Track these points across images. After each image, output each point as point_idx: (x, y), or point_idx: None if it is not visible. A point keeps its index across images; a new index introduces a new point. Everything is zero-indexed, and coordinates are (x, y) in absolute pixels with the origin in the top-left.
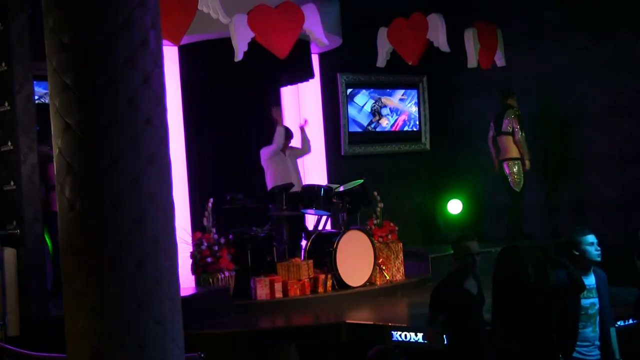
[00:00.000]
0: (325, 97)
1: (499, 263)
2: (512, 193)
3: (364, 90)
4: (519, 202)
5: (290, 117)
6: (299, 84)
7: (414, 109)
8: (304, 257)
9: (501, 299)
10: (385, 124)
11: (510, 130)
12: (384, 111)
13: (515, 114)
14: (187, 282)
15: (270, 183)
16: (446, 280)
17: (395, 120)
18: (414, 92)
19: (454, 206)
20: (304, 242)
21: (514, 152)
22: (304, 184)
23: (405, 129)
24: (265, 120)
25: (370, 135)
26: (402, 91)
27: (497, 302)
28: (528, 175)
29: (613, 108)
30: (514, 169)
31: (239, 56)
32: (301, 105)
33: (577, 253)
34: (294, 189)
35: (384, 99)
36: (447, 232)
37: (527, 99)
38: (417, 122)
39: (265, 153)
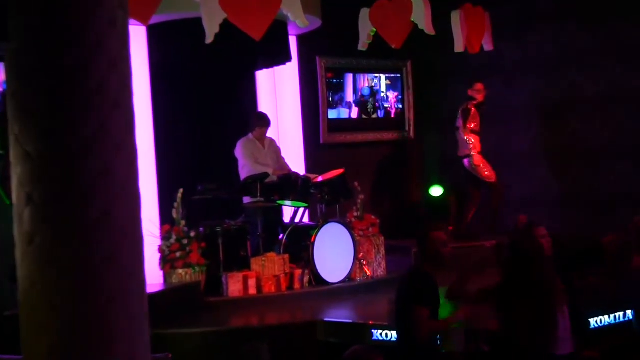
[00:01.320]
0: (303, 82)
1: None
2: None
3: (343, 75)
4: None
5: (266, 103)
6: (276, 68)
7: (398, 95)
8: (280, 251)
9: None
10: (368, 110)
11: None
12: (365, 96)
13: (463, 107)
14: (154, 278)
15: (243, 175)
16: (418, 273)
17: (377, 107)
18: (397, 78)
19: (436, 192)
20: (280, 236)
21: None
22: (280, 174)
23: (388, 116)
24: (239, 106)
25: (350, 123)
26: (385, 76)
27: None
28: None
29: (604, 97)
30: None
31: (209, 38)
32: (278, 90)
33: None
34: (270, 179)
35: (365, 83)
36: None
37: (517, 85)
38: (401, 109)
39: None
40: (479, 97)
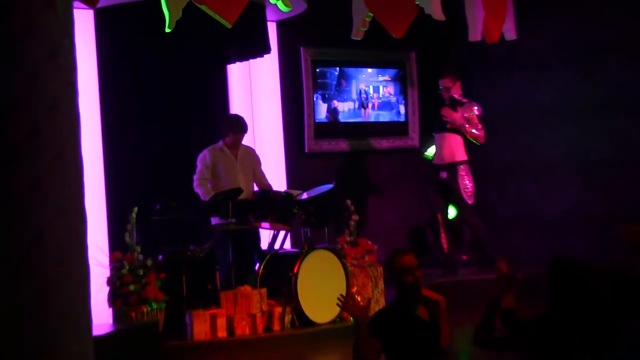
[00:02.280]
0: (284, 78)
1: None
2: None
3: (333, 70)
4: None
5: (239, 103)
6: (251, 61)
7: (399, 95)
8: (256, 284)
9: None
10: (362, 112)
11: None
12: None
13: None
14: (102, 317)
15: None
16: (386, 309)
17: (374, 108)
18: (399, 73)
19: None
20: (255, 265)
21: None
22: (256, 189)
23: (388, 119)
24: (206, 107)
25: (342, 128)
26: (384, 71)
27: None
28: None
29: None
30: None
31: (170, 24)
32: (253, 87)
33: None
34: (243, 196)
35: (359, 82)
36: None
37: (546, 81)
38: (403, 112)
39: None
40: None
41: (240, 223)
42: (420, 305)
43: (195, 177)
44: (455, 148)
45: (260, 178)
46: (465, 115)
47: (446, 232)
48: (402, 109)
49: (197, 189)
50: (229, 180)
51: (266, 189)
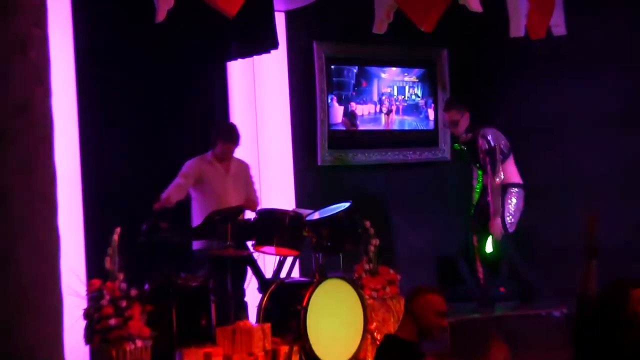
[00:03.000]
0: (294, 77)
1: None
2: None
3: (351, 68)
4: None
5: (240, 106)
6: (255, 58)
7: (428, 98)
8: (259, 318)
9: None
10: (385, 119)
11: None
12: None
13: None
14: (77, 357)
15: (196, 211)
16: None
17: (398, 114)
18: (427, 73)
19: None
20: (258, 297)
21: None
22: (260, 208)
23: (414, 127)
24: (202, 112)
25: (360, 136)
26: (410, 71)
27: None
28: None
29: None
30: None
31: (160, 15)
32: (257, 88)
33: None
34: (246, 216)
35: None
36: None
37: (601, 84)
38: (432, 118)
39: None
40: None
41: (240, 247)
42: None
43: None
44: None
45: (250, 196)
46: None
47: (483, 261)
48: (431, 114)
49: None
50: (218, 197)
51: (252, 208)
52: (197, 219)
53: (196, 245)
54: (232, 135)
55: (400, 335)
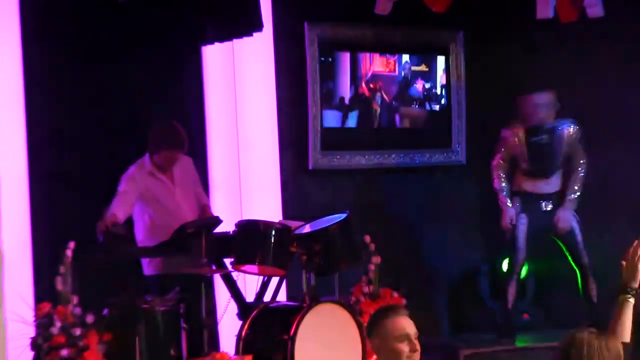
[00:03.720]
0: (282, 66)
1: None
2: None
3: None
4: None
5: (218, 100)
6: (236, 41)
7: (439, 91)
8: (238, 350)
9: None
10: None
11: None
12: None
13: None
14: None
15: (139, 231)
16: None
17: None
18: (439, 61)
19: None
20: (237, 324)
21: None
22: (240, 220)
23: (423, 125)
24: (172, 105)
25: (359, 135)
26: (419, 59)
27: None
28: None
29: None
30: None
31: None
32: (238, 78)
33: None
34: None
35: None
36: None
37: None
38: (445, 115)
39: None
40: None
41: (217, 266)
42: None
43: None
44: None
45: (197, 197)
46: None
47: (516, 283)
48: (443, 109)
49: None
50: (170, 214)
51: (208, 214)
52: (141, 238)
53: (164, 265)
54: (179, 139)
55: None
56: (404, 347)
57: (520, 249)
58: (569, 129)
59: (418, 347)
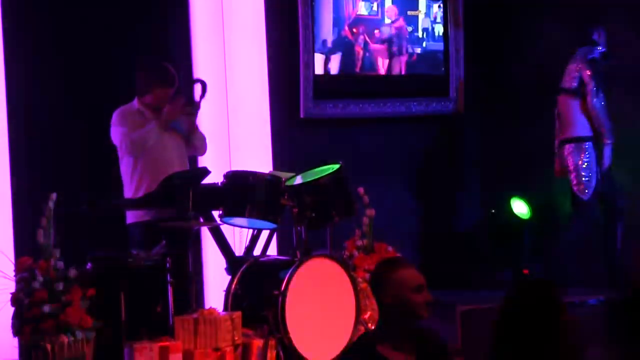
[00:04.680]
0: (272, 10)
1: None
2: (576, 205)
3: None
4: (588, 219)
5: (205, 48)
6: None
7: (437, 38)
8: (227, 306)
9: None
10: (382, 63)
11: (576, 86)
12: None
13: (586, 60)
14: (3, 351)
15: (126, 181)
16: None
17: (399, 57)
18: (436, 6)
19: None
20: (226, 279)
21: (579, 126)
22: (229, 171)
23: (420, 72)
24: (156, 55)
25: (353, 82)
26: (415, 3)
27: None
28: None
29: None
30: (580, 159)
31: None
32: (226, 24)
33: None
34: (210, 180)
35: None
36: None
37: None
38: (442, 62)
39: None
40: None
41: (205, 219)
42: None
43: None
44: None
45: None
46: None
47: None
48: (440, 58)
49: (124, 143)
50: (157, 160)
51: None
52: (131, 192)
53: (148, 215)
54: (169, 76)
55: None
56: (421, 298)
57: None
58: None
59: (431, 297)
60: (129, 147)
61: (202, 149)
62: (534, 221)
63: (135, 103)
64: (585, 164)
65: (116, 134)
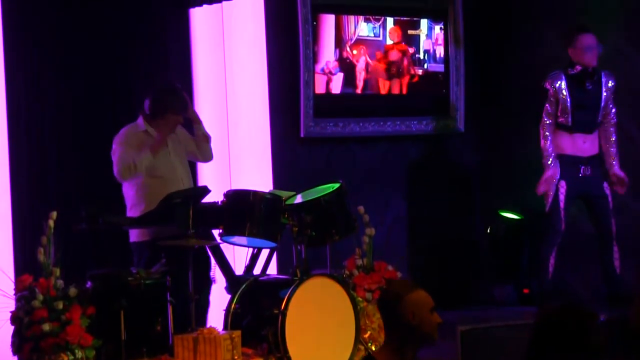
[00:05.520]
0: (273, 28)
1: None
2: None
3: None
4: (553, 231)
5: (205, 65)
6: (224, 3)
7: (437, 59)
8: (227, 325)
9: None
10: (383, 84)
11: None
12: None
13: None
14: None
15: (129, 198)
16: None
17: (400, 78)
18: (437, 28)
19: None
20: (226, 298)
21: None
22: (229, 189)
23: (421, 91)
24: (157, 73)
25: (353, 102)
26: (417, 22)
27: None
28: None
29: None
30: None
31: None
32: (227, 42)
33: None
34: (211, 199)
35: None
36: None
37: None
38: (443, 82)
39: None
40: (586, 60)
41: (204, 237)
42: None
43: (115, 157)
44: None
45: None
46: None
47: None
48: (439, 76)
49: (117, 166)
50: (161, 177)
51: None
52: (135, 211)
53: (147, 234)
54: (183, 103)
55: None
56: (435, 320)
57: (561, 218)
58: (609, 80)
59: (441, 320)
60: (120, 171)
61: (208, 152)
62: (530, 234)
63: (141, 123)
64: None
65: (114, 154)
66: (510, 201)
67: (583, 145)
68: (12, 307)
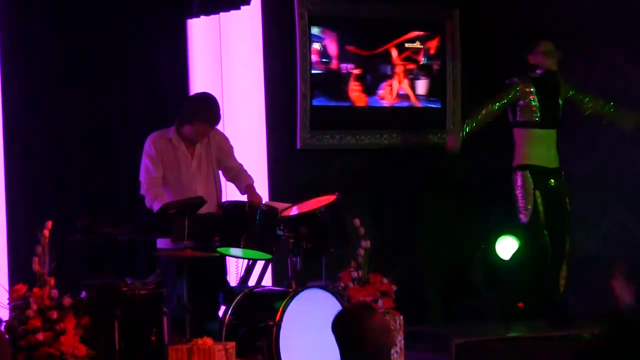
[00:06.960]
0: (269, 41)
1: None
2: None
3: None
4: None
5: (203, 76)
6: (222, 15)
7: (434, 71)
8: (221, 335)
9: None
10: (383, 94)
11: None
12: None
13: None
14: None
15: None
16: None
17: (398, 91)
18: (434, 39)
19: (506, 247)
20: (220, 309)
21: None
22: (225, 200)
23: (417, 105)
24: (155, 84)
25: (350, 114)
26: (414, 36)
27: None
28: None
29: None
30: (515, 187)
31: None
32: (224, 54)
33: None
34: (204, 209)
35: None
36: (488, 295)
37: None
38: (440, 96)
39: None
40: (546, 64)
41: (200, 248)
42: None
43: (142, 177)
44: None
45: (236, 172)
46: None
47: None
48: (436, 91)
49: (145, 193)
50: (179, 187)
51: (247, 186)
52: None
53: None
54: (214, 113)
55: None
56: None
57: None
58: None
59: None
60: (143, 188)
61: (243, 174)
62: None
63: (171, 130)
64: (518, 190)
65: (142, 164)
66: (506, 217)
67: (548, 156)
68: (7, 317)
